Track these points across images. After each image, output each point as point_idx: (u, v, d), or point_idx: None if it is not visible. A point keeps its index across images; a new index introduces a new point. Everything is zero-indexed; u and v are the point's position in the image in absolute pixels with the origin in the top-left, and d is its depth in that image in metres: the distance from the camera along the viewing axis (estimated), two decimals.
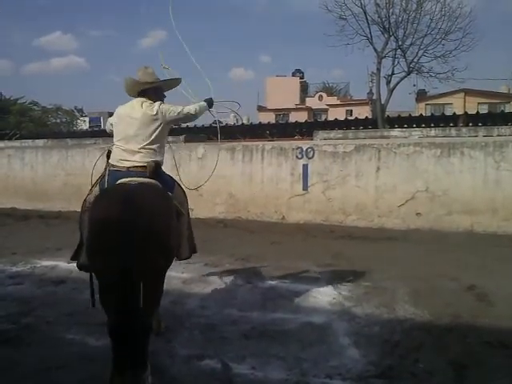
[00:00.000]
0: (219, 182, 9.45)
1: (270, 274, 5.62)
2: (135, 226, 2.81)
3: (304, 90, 40.36)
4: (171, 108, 3.74)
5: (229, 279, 5.45)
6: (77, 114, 35.47)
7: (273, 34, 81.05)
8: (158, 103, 3.70)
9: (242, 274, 5.62)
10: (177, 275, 5.43)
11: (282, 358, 3.46)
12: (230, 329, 4.00)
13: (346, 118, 18.80)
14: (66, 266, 6.07)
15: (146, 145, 3.56)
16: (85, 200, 3.64)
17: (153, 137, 3.60)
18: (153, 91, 3.79)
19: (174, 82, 4.14)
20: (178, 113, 3.77)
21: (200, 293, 5.00)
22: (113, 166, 3.54)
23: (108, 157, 3.69)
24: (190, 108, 3.89)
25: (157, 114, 3.63)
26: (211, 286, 5.21)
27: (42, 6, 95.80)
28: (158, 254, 3.00)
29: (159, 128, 3.64)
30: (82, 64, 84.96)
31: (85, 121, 37.14)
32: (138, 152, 3.52)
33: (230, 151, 9.71)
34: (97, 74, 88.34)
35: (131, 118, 3.62)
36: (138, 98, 3.75)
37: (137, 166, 3.46)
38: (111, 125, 3.87)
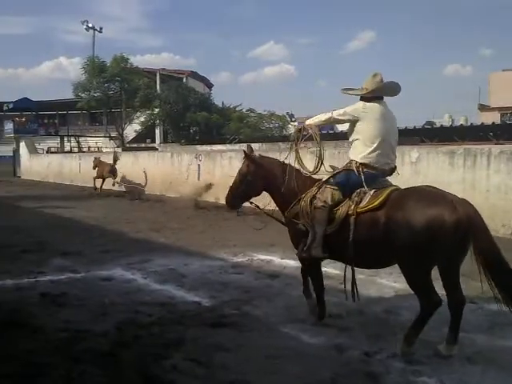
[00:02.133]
0: None
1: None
2: None
3: None
4: None
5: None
6: (288, 118, 37.48)
7: (495, 26, 72.80)
8: None
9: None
10: (388, 284, 5.21)
11: None
12: None
13: None
14: (279, 261, 6.40)
15: (396, 148, 4.01)
16: (314, 197, 3.91)
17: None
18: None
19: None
20: None
21: (414, 305, 4.64)
22: (370, 167, 3.82)
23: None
24: None
25: None
26: None
27: (256, 20, 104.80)
28: None
29: None
30: (292, 71, 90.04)
31: (295, 125, 39.05)
32: (393, 154, 3.96)
33: (448, 155, 8.94)
34: (306, 79, 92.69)
35: (392, 120, 3.99)
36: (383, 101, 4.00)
37: (391, 169, 3.94)
38: (352, 116, 3.94)
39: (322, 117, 4.11)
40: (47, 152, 30.72)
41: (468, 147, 9.18)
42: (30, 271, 5.92)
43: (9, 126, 32.93)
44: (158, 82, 34.44)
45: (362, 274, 4.57)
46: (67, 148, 32.41)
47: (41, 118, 40.52)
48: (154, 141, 33.95)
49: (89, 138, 36.75)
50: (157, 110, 30.60)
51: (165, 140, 33.94)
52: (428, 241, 3.30)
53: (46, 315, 4.40)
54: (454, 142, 11.59)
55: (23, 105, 34.59)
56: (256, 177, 4.24)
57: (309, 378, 3.20)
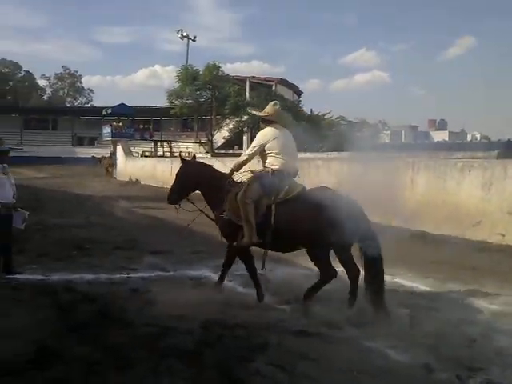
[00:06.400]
0: None
1: None
2: None
3: None
4: None
5: None
6: (380, 127, 36.61)
7: None
8: None
9: None
10: (485, 306, 4.88)
11: None
12: None
13: None
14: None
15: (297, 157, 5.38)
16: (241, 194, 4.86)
17: None
18: None
19: None
20: None
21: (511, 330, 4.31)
22: (281, 171, 4.93)
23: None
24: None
25: None
26: None
27: (350, 28, 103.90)
28: None
29: None
30: (385, 78, 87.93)
31: (387, 134, 38.15)
32: (296, 161, 5.23)
33: None
34: (400, 87, 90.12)
35: (289, 137, 5.17)
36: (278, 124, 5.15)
37: (296, 172, 5.13)
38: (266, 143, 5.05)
39: (243, 159, 5.33)
40: (141, 156, 32.43)
41: None
42: (123, 267, 6.27)
43: (107, 130, 35.05)
44: (247, 89, 35.10)
45: (455, 294, 4.32)
46: (160, 152, 33.99)
47: (136, 123, 42.86)
48: (241, 147, 34.63)
49: (180, 144, 38.29)
50: (245, 117, 31.16)
51: None
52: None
53: (136, 310, 4.61)
54: None
55: (121, 110, 36.63)
56: (188, 177, 5.42)
57: None
